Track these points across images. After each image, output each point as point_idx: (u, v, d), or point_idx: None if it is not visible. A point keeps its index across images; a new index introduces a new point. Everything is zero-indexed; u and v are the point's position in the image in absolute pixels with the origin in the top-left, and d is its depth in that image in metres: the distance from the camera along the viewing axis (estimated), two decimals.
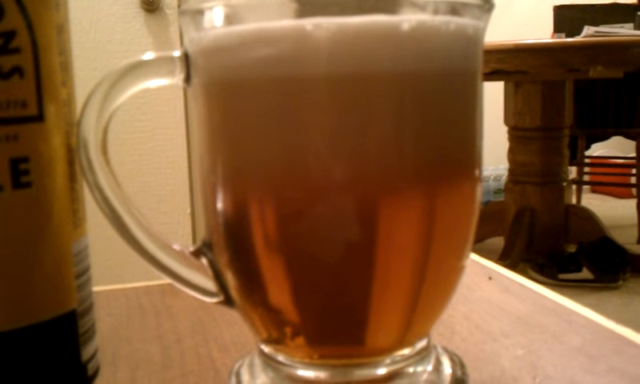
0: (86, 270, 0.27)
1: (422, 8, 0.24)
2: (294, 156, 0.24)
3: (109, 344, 0.34)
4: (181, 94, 1.87)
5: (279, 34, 0.23)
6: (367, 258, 0.24)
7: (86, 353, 0.27)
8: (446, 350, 0.30)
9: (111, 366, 0.31)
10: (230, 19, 0.25)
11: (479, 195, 0.27)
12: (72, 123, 0.26)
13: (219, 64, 0.25)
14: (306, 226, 0.23)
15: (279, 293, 0.25)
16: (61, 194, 0.26)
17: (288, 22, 0.23)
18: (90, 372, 0.27)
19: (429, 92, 0.24)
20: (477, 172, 0.26)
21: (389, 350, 0.26)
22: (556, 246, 2.58)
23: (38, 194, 0.25)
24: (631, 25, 2.60)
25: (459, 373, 0.28)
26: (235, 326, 0.36)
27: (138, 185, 1.78)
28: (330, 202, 0.23)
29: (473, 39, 0.25)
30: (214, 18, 0.25)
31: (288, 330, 0.26)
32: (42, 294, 0.25)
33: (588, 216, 2.64)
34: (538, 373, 0.30)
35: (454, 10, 0.24)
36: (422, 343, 0.27)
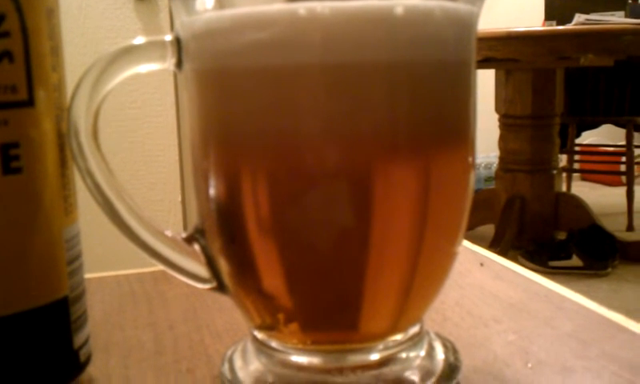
0: (78, 256, 0.27)
1: None
2: (287, 141, 0.23)
3: (101, 331, 0.34)
4: (171, 80, 1.86)
5: (272, 18, 0.23)
6: (361, 241, 0.24)
7: (78, 339, 0.27)
8: (439, 336, 0.30)
9: (103, 353, 0.31)
10: (221, 3, 0.24)
11: (472, 181, 0.26)
12: (62, 108, 0.26)
13: (211, 49, 0.24)
14: (300, 211, 0.23)
15: (273, 278, 0.25)
16: (52, 179, 0.26)
17: (281, 6, 0.23)
18: (83, 358, 0.27)
19: (423, 77, 0.24)
20: (470, 158, 0.26)
21: (382, 335, 0.26)
22: (546, 234, 2.59)
23: (28, 179, 0.25)
24: (622, 13, 2.60)
25: (452, 358, 0.28)
26: (227, 312, 0.36)
27: (128, 173, 1.77)
28: (323, 186, 0.23)
29: (467, 24, 0.25)
30: (206, 2, 0.25)
31: (281, 316, 0.25)
32: (34, 281, 0.25)
33: (578, 204, 2.65)
34: (530, 358, 0.30)
35: None
36: (414, 329, 0.27)
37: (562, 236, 2.57)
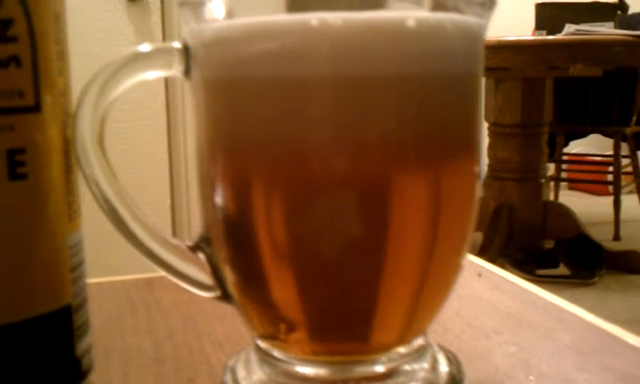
0: (81, 263, 0.27)
1: (425, 5, 0.24)
2: (296, 152, 0.23)
3: (100, 338, 0.34)
4: (162, 83, 1.85)
5: (283, 29, 0.23)
6: (373, 252, 0.24)
7: (80, 348, 0.27)
8: (442, 348, 0.30)
9: (104, 361, 0.31)
10: (231, 12, 0.24)
11: (479, 190, 0.27)
12: (68, 114, 0.26)
13: (221, 58, 0.24)
14: (309, 221, 0.23)
15: (283, 290, 0.25)
16: (56, 185, 0.25)
17: (292, 17, 0.23)
18: (85, 367, 0.27)
19: (432, 90, 0.24)
20: (477, 168, 0.26)
21: (389, 346, 0.26)
22: (534, 242, 2.60)
23: (33, 185, 0.24)
24: (611, 24, 2.62)
25: (455, 371, 0.28)
26: (228, 320, 0.36)
27: (118, 176, 1.76)
28: (332, 197, 0.23)
29: (476, 37, 0.25)
30: (216, 10, 0.25)
31: (289, 327, 0.25)
32: (38, 288, 0.25)
33: (565, 213, 2.67)
34: (532, 370, 0.30)
35: (458, 8, 0.24)
36: (419, 341, 0.27)
37: (549, 245, 2.58)
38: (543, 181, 2.64)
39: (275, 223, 0.24)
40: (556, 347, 0.33)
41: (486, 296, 0.40)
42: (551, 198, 3.03)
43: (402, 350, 0.27)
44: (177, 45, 0.26)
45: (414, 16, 0.23)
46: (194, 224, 1.92)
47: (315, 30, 0.22)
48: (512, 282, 0.43)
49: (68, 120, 0.26)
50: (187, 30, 0.26)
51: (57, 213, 0.25)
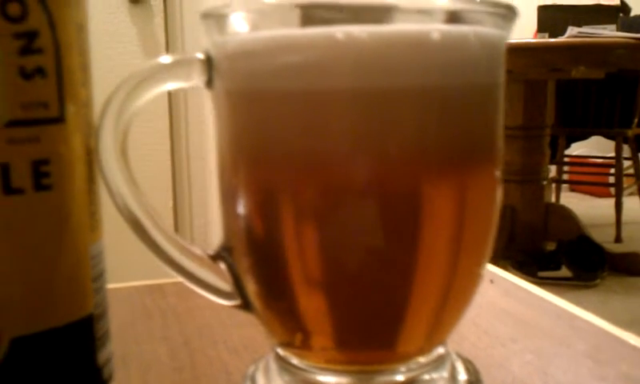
0: (102, 273, 0.27)
1: (448, 17, 0.24)
2: (319, 164, 0.23)
3: (117, 345, 0.34)
4: None
5: (309, 42, 0.23)
6: (400, 264, 0.24)
7: (101, 357, 0.27)
8: (460, 357, 0.30)
9: (122, 369, 0.31)
10: (256, 24, 0.24)
11: (500, 198, 0.27)
12: (91, 124, 0.26)
13: (245, 70, 0.24)
14: (335, 233, 0.23)
15: (307, 301, 0.25)
16: (79, 196, 0.25)
17: (318, 30, 0.23)
18: (106, 375, 0.27)
19: (456, 101, 0.24)
20: (498, 174, 0.26)
21: (411, 356, 0.26)
22: (536, 244, 2.60)
23: (57, 196, 0.25)
24: (614, 26, 2.63)
25: (474, 379, 0.28)
26: (244, 328, 0.36)
27: None
28: (358, 209, 0.23)
29: (498, 48, 0.25)
30: (240, 23, 0.25)
31: (313, 337, 0.26)
32: (61, 298, 0.25)
33: (567, 215, 2.67)
34: (549, 379, 0.30)
35: (480, 20, 0.24)
36: (439, 350, 0.27)
37: (551, 246, 2.58)
38: (545, 183, 2.64)
39: (300, 235, 0.24)
40: (572, 355, 0.33)
41: (500, 303, 0.40)
42: (552, 199, 3.03)
43: (422, 359, 0.27)
44: (199, 56, 0.26)
45: (439, 29, 0.23)
46: (197, 226, 1.92)
47: (341, 44, 0.22)
48: (524, 288, 0.43)
49: (91, 130, 0.26)
50: (210, 41, 0.26)
51: (80, 223, 0.25)
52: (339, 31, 0.22)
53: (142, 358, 0.33)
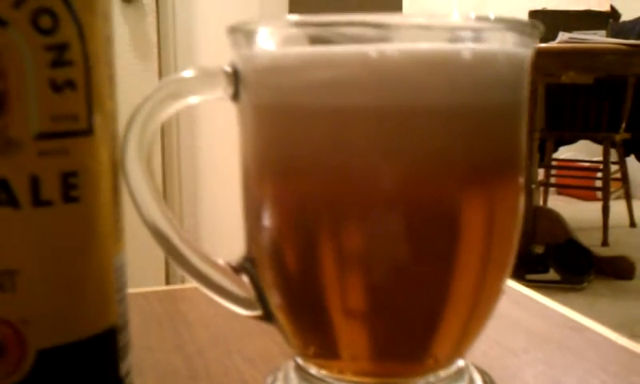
0: (125, 284, 0.27)
1: (476, 36, 0.24)
2: (347, 180, 0.24)
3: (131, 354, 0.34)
4: (154, 82, 1.85)
5: (339, 59, 0.23)
6: (428, 278, 0.24)
7: (124, 367, 0.27)
8: (477, 368, 0.30)
9: (139, 378, 0.31)
10: (284, 40, 0.25)
11: (522, 207, 0.27)
12: (116, 136, 0.26)
13: (274, 84, 0.24)
14: (362, 247, 0.24)
15: (334, 315, 0.25)
16: (105, 208, 0.25)
17: (350, 48, 0.23)
18: None
19: (483, 121, 0.24)
20: (521, 180, 0.26)
21: (437, 367, 0.26)
22: (524, 247, 2.62)
23: (85, 208, 0.25)
24: (603, 32, 2.65)
25: None
26: (258, 337, 0.36)
27: None
28: (384, 225, 0.23)
29: (523, 66, 0.26)
30: (269, 38, 0.25)
31: (337, 349, 0.26)
32: (87, 310, 0.25)
33: (555, 218, 2.69)
34: None
35: (507, 40, 0.25)
36: (459, 363, 0.28)
37: (539, 250, 2.60)
38: (533, 186, 2.66)
39: (328, 249, 0.24)
40: (584, 367, 0.33)
41: (509, 313, 0.40)
42: (540, 203, 3.05)
43: (442, 373, 0.27)
44: (226, 68, 0.26)
45: (468, 48, 0.23)
46: (187, 226, 1.91)
47: (372, 61, 0.23)
48: (532, 298, 0.43)
49: (116, 142, 0.26)
50: (237, 54, 0.26)
51: (105, 235, 0.25)
52: (372, 49, 0.23)
53: (158, 368, 0.33)
